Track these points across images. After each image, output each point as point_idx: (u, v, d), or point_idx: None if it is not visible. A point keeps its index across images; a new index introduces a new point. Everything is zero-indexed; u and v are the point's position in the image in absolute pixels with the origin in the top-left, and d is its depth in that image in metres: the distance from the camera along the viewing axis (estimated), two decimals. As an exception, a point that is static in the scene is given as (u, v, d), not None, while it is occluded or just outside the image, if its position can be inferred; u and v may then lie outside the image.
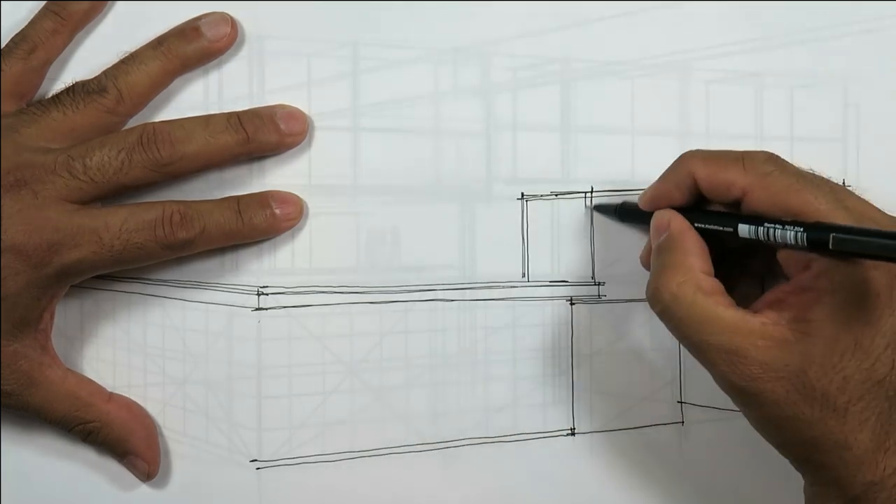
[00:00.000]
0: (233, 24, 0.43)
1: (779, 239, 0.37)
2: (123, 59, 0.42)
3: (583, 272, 0.47)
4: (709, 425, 0.47)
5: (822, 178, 0.39)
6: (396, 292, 0.45)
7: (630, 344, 0.47)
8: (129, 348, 0.44)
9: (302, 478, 0.45)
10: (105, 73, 0.42)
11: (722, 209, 0.41)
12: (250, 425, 0.44)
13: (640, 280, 0.47)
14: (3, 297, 0.39)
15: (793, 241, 0.37)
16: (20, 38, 0.42)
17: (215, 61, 0.44)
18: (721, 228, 0.40)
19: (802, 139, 0.48)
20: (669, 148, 0.47)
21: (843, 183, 0.48)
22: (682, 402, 0.48)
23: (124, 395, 0.44)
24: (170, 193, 0.43)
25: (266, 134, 0.42)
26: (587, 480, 0.47)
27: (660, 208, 0.42)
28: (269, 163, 0.44)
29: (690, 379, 0.47)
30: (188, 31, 0.43)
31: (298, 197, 0.44)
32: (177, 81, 0.44)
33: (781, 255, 0.40)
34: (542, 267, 0.47)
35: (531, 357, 0.46)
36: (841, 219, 0.37)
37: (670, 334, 0.40)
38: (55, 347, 0.43)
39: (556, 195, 0.46)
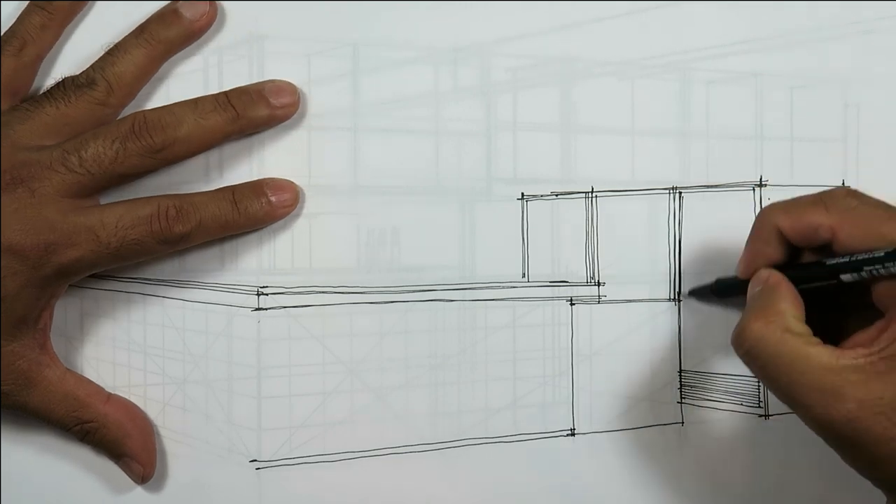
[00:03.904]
0: (210, 1, 0.43)
1: (884, 274, 0.37)
2: (109, 50, 0.42)
3: (583, 272, 0.47)
4: (709, 425, 0.47)
5: None
6: (396, 292, 0.45)
7: (630, 344, 0.47)
8: (129, 348, 0.44)
9: (302, 478, 0.44)
10: (92, 66, 0.42)
11: (814, 256, 0.40)
12: (250, 425, 0.44)
13: (640, 280, 0.47)
14: (2, 297, 0.39)
15: (887, 272, 0.36)
16: (9, 35, 0.42)
17: (215, 61, 0.44)
18: (825, 283, 0.39)
19: (802, 139, 0.48)
20: (669, 148, 0.47)
21: (843, 183, 0.48)
22: (681, 403, 0.48)
23: (124, 395, 0.44)
24: (170, 189, 0.43)
25: (256, 109, 0.42)
26: (587, 480, 0.47)
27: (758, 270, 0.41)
28: (269, 162, 0.44)
29: (690, 379, 0.47)
30: (167, 15, 0.43)
31: (293, 183, 0.44)
32: (175, 81, 0.44)
33: (877, 293, 0.38)
34: (542, 267, 0.47)
35: (531, 357, 0.46)
36: None
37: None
38: (55, 347, 0.43)
39: (556, 195, 0.46)
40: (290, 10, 0.44)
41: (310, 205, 0.44)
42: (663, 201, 0.47)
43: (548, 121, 0.46)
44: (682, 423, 0.48)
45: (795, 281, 0.39)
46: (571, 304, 0.47)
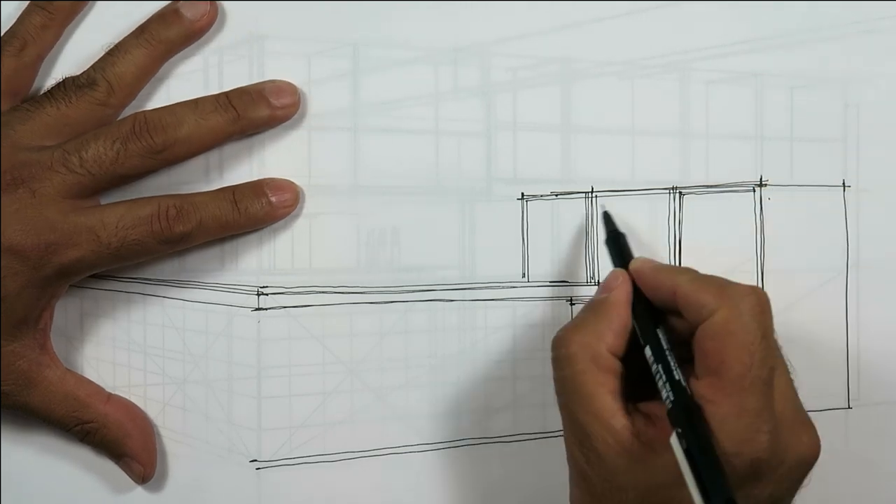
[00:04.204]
0: (211, 1, 0.43)
1: (659, 385, 0.37)
2: (109, 51, 0.42)
3: (583, 272, 0.47)
4: (709, 425, 0.47)
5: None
6: (396, 292, 0.45)
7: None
8: (129, 348, 0.44)
9: (302, 478, 0.44)
10: (93, 66, 0.42)
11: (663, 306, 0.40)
12: (250, 425, 0.44)
13: (640, 280, 0.47)
14: (2, 297, 0.39)
15: (663, 398, 0.37)
16: (10, 35, 0.42)
17: (215, 61, 0.44)
18: (639, 333, 0.40)
19: (802, 139, 0.48)
20: (669, 148, 0.47)
21: (843, 183, 0.48)
22: (681, 403, 0.47)
23: (124, 395, 0.44)
24: (170, 190, 0.43)
25: (256, 109, 0.42)
26: (587, 480, 0.47)
27: (636, 271, 0.41)
28: (269, 162, 0.44)
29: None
30: (168, 15, 0.43)
31: (293, 183, 0.44)
32: (176, 81, 0.44)
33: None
34: (542, 267, 0.47)
35: (531, 357, 0.46)
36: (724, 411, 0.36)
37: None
38: (55, 347, 0.43)
39: (556, 195, 0.46)
40: (290, 10, 0.44)
41: (310, 205, 0.44)
42: (663, 201, 0.47)
43: (548, 121, 0.46)
44: (682, 423, 0.48)
45: (634, 307, 0.40)
46: (571, 304, 0.47)
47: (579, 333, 0.39)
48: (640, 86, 0.47)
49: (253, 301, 0.44)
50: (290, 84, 0.43)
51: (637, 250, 0.46)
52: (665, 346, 0.38)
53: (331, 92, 0.45)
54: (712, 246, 0.47)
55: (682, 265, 0.47)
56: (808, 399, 0.48)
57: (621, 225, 0.45)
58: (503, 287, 0.46)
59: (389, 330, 0.45)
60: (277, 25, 0.44)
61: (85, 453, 0.44)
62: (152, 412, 0.44)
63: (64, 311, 0.44)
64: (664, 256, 0.47)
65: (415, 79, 0.45)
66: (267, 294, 0.44)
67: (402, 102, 0.45)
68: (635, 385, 0.39)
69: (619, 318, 0.40)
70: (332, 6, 0.45)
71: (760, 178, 0.48)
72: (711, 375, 0.37)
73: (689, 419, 0.36)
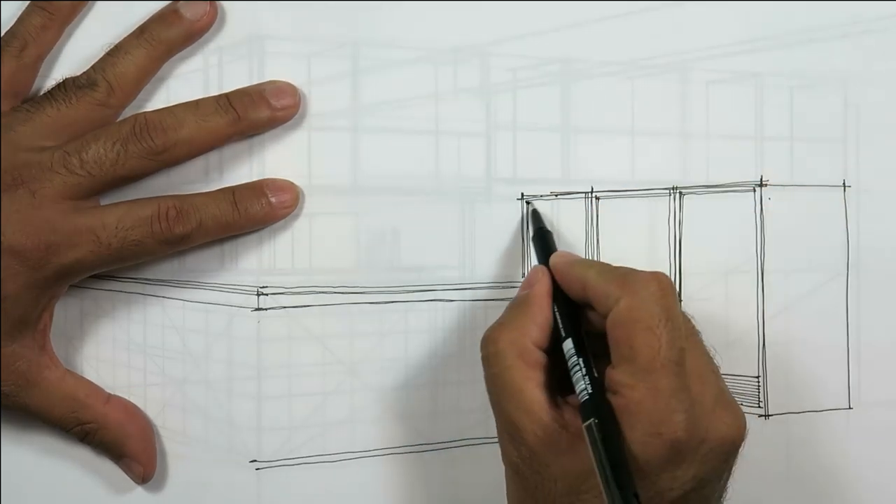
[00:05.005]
0: (211, 1, 0.43)
1: (574, 379, 0.38)
2: (109, 51, 0.42)
3: (583, 272, 0.47)
4: (709, 425, 0.47)
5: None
6: (396, 292, 0.45)
7: (630, 344, 0.47)
8: (129, 348, 0.44)
9: (302, 478, 0.45)
10: (93, 67, 0.42)
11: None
12: (250, 425, 0.44)
13: (640, 280, 0.47)
14: (2, 297, 0.39)
15: (578, 392, 0.37)
16: (10, 35, 0.42)
17: (215, 61, 0.44)
18: (560, 326, 0.40)
19: (802, 139, 0.48)
20: (669, 148, 0.47)
21: (843, 183, 0.48)
22: (682, 403, 0.47)
23: (124, 395, 0.44)
24: (171, 190, 0.43)
25: (257, 111, 0.43)
26: (587, 480, 0.47)
27: (553, 267, 0.41)
28: (269, 163, 0.44)
29: (690, 379, 0.47)
30: (168, 15, 0.43)
31: (293, 183, 0.44)
32: (176, 82, 0.44)
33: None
34: (542, 267, 0.46)
35: (531, 357, 0.46)
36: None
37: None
38: (55, 347, 0.43)
39: (556, 195, 0.46)
40: (290, 10, 0.44)
41: (310, 205, 0.44)
42: (663, 201, 0.47)
43: (548, 121, 0.46)
44: (683, 423, 0.48)
45: (555, 302, 0.40)
46: (571, 304, 0.47)
47: (505, 331, 0.39)
48: (640, 86, 0.47)
49: (253, 301, 0.44)
50: (290, 85, 0.43)
51: (637, 250, 0.46)
52: (581, 340, 0.39)
53: (331, 92, 0.45)
54: (712, 246, 0.47)
55: (679, 262, 0.47)
56: (808, 399, 0.49)
57: (549, 225, 0.45)
58: (503, 287, 0.46)
59: (389, 330, 0.45)
60: (277, 25, 0.44)
61: (85, 453, 0.44)
62: (152, 412, 0.44)
63: (64, 311, 0.44)
64: (664, 257, 0.47)
65: (415, 79, 0.45)
66: (267, 294, 0.44)
67: (402, 102, 0.45)
68: (563, 377, 0.39)
69: (541, 313, 0.40)
70: (332, 6, 0.45)
71: (760, 178, 0.48)
72: (625, 362, 0.37)
73: (598, 413, 0.36)
